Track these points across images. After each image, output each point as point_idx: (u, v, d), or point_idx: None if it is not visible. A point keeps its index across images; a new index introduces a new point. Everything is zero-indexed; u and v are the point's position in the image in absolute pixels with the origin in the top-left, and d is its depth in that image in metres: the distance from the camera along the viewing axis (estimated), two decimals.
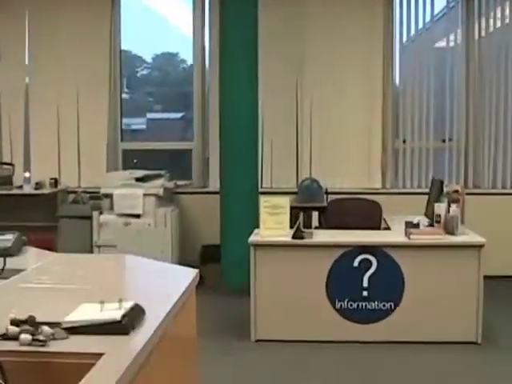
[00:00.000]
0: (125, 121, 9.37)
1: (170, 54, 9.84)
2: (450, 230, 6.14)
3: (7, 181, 8.64)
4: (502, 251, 7.77)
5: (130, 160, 9.16)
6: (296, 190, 8.53)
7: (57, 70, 8.88)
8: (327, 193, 8.47)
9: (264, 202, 6.22)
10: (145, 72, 9.89)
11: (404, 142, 8.88)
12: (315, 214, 8.15)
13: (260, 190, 8.29)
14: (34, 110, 9.01)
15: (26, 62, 9.03)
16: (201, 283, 7.86)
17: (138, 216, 7.96)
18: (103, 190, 8.09)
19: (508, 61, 8.70)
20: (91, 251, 8.02)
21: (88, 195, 8.60)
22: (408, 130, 8.87)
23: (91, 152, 8.92)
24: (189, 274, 3.42)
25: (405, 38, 8.93)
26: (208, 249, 8.46)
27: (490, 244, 6.00)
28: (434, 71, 8.87)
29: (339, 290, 6.03)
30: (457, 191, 6.38)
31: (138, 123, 9.93)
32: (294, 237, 6.05)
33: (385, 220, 7.11)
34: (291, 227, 6.25)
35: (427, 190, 7.45)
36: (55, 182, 8.64)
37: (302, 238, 6.06)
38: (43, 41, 8.87)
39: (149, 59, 9.74)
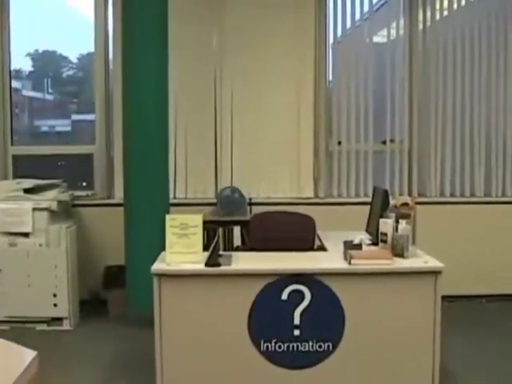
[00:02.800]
0: (49, 123, 8.39)
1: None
2: (398, 252, 5.04)
3: None
4: (453, 268, 6.64)
5: (24, 167, 7.84)
6: (215, 201, 7.39)
7: None
8: (251, 203, 7.38)
9: (170, 220, 5.01)
10: (70, 72, 8.71)
11: (339, 143, 7.82)
12: (237, 229, 7.04)
13: (173, 201, 7.16)
14: None
15: None
16: (104, 311, 6.80)
17: (26, 235, 6.69)
18: None
19: (456, 53, 7.77)
20: None
21: None
22: (343, 131, 7.83)
23: None
24: (23, 359, 2.17)
25: (339, 32, 7.87)
26: (112, 270, 7.26)
27: (440, 261, 4.98)
28: (372, 66, 7.85)
29: (264, 329, 4.85)
30: (406, 204, 5.28)
31: (63, 125, 8.68)
32: (207, 264, 4.86)
33: (319, 237, 5.99)
34: (206, 249, 5.08)
35: (367, 200, 6.40)
36: None
37: (217, 265, 4.87)
38: None
39: (74, 59, 8.58)
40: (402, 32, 7.85)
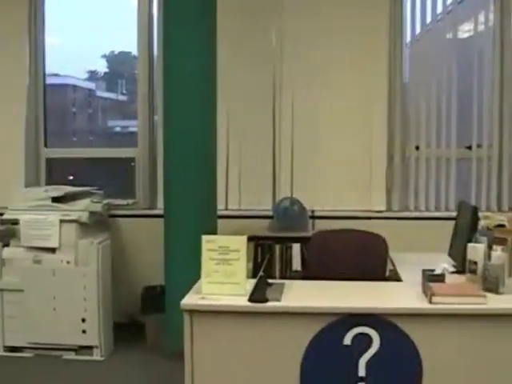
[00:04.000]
0: (122, 123, 7.81)
1: None
2: (491, 286, 4.01)
3: None
4: None
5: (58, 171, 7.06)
6: (272, 213, 6.48)
7: None
8: (313, 217, 6.42)
9: (207, 242, 4.07)
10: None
11: (417, 148, 6.80)
12: (296, 247, 6.11)
13: (223, 212, 6.32)
14: None
15: None
16: (141, 337, 5.83)
17: (52, 250, 5.86)
18: (8, 214, 6.00)
19: None
20: None
21: None
22: (422, 134, 6.83)
23: (6, 161, 6.88)
24: None
25: (418, 28, 6.89)
26: (152, 291, 6.37)
27: None
28: (456, 63, 6.82)
29: (321, 381, 3.85)
30: (502, 226, 4.24)
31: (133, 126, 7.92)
32: (251, 299, 3.89)
33: (392, 261, 5.00)
34: (257, 270, 4.15)
35: (448, 214, 5.50)
36: None
37: (263, 300, 3.89)
38: None
39: None
40: (491, 23, 6.81)
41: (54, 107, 7.37)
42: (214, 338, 3.92)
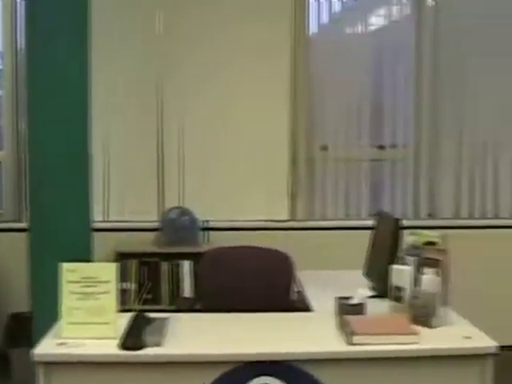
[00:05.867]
0: None
1: None
2: (420, 318, 3.27)
3: None
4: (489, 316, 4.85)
5: None
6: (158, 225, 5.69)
7: None
8: (207, 229, 5.64)
9: (67, 271, 3.19)
10: None
11: (325, 148, 6.13)
12: (187, 265, 5.34)
13: (101, 225, 5.58)
14: None
15: None
16: (6, 374, 5.17)
17: None
18: None
19: (481, 32, 6.13)
20: None
21: None
22: (330, 133, 6.16)
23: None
24: None
25: (325, 17, 6.28)
26: (20, 319, 5.46)
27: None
28: (366, 54, 6.26)
29: None
30: (432, 244, 3.52)
31: None
32: (123, 345, 3.02)
33: (299, 283, 4.24)
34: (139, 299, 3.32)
35: (360, 224, 5.32)
36: None
37: (139, 347, 3.03)
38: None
39: None
40: (407, 11, 6.26)
41: None
42: None
